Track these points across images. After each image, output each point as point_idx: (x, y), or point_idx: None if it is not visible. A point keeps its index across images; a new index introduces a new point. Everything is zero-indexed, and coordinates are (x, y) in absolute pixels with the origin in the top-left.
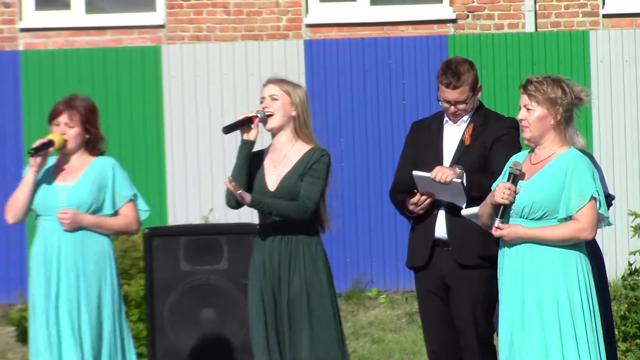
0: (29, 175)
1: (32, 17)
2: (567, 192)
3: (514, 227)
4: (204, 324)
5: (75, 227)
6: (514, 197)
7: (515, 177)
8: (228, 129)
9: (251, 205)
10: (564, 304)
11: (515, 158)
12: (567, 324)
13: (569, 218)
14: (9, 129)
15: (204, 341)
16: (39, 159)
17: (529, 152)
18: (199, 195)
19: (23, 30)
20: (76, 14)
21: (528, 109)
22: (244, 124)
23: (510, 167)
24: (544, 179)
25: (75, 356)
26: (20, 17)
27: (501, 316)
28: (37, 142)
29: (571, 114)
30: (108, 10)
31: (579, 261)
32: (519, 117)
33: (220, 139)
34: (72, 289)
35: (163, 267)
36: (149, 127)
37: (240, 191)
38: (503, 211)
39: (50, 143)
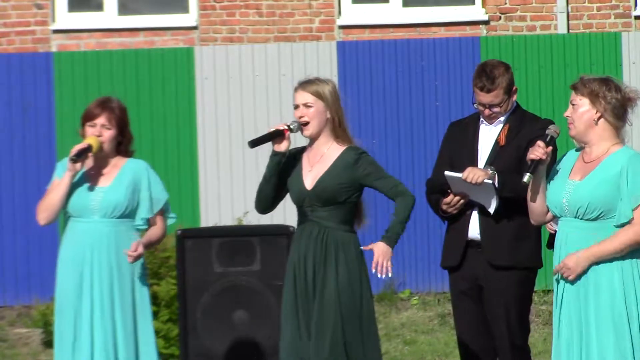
0: (66, 178)
1: (65, 18)
2: (622, 192)
3: (573, 259)
4: (236, 325)
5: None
6: (547, 156)
7: (552, 139)
8: (254, 143)
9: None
10: (620, 308)
11: (567, 156)
12: (624, 328)
13: (624, 219)
14: (42, 130)
15: (235, 343)
16: (78, 165)
17: (581, 151)
18: (231, 196)
19: (56, 31)
20: (109, 16)
21: (573, 105)
22: (273, 138)
23: (549, 128)
24: (599, 178)
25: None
26: (53, 19)
27: (561, 323)
28: (76, 149)
29: (621, 113)
30: (141, 11)
31: (634, 265)
32: (565, 114)
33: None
34: (105, 292)
35: (195, 269)
36: (182, 128)
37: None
38: (534, 167)
39: (89, 148)
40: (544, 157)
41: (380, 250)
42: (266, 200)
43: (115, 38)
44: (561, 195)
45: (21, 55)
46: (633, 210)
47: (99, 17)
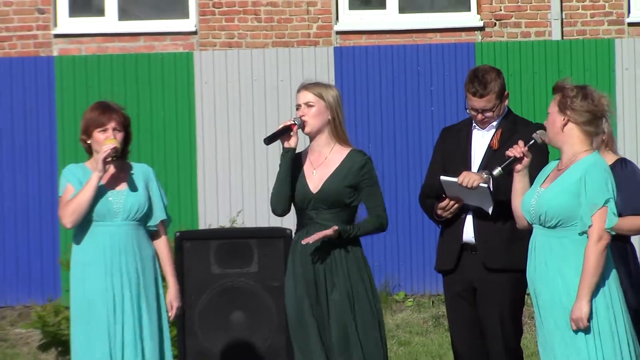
0: (94, 180)
1: (66, 23)
2: (582, 199)
3: (575, 311)
4: (234, 326)
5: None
6: (523, 156)
7: (535, 143)
8: (269, 140)
9: (339, 236)
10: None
11: (549, 165)
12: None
13: (585, 227)
14: (43, 134)
15: (233, 344)
16: (108, 166)
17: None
18: (230, 199)
19: (57, 36)
20: (109, 21)
21: (549, 112)
22: (284, 133)
23: (536, 133)
24: (560, 186)
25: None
26: (55, 24)
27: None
28: (108, 149)
29: (589, 120)
30: (141, 17)
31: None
32: (545, 123)
33: (251, 143)
34: (134, 294)
35: (194, 270)
36: (181, 132)
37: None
38: (508, 164)
39: (116, 149)
40: (518, 155)
41: (326, 231)
42: (285, 201)
43: (116, 42)
44: (530, 202)
45: (23, 60)
46: (589, 219)
47: (100, 22)
